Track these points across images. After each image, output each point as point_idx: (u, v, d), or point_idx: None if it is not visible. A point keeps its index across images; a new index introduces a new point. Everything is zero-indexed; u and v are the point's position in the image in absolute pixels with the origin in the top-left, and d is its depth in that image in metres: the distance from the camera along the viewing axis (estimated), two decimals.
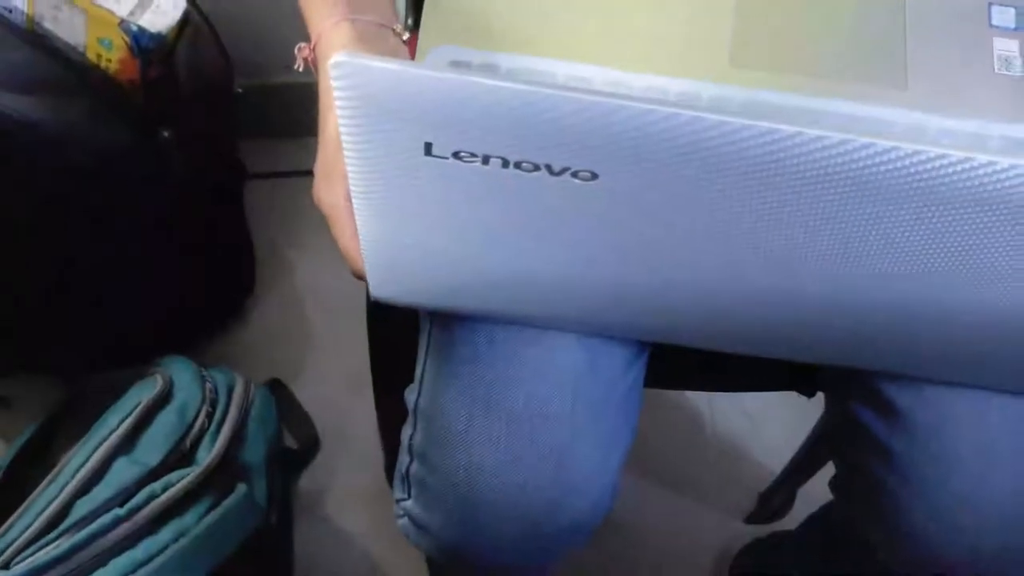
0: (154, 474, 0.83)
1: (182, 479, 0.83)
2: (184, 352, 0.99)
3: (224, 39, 1.07)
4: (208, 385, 0.91)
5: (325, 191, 0.53)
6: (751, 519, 1.12)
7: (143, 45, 0.88)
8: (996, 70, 0.62)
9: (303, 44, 0.56)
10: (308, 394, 1.13)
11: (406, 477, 0.60)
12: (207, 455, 0.86)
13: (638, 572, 1.11)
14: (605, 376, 0.59)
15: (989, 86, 0.61)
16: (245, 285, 1.26)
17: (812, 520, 0.86)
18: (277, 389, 1.10)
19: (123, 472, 0.83)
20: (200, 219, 1.08)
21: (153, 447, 0.85)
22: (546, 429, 0.56)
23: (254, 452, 0.90)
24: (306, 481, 1.13)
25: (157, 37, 0.89)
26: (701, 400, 1.23)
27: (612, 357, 0.60)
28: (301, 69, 0.55)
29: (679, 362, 0.76)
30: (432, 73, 0.37)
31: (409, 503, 0.60)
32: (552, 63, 0.59)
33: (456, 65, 0.59)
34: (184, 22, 0.92)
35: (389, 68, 0.36)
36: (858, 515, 0.66)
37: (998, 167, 0.43)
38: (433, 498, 0.58)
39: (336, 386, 1.21)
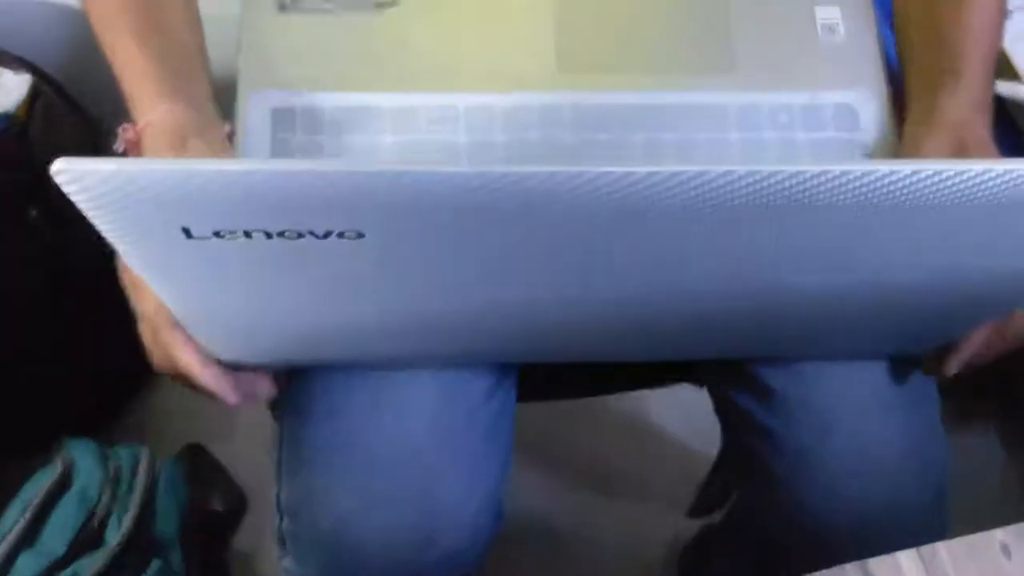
0: (61, 563, 0.80)
1: (93, 563, 0.81)
2: (95, 427, 0.96)
3: (90, 100, 1.04)
4: (111, 464, 0.88)
5: (136, 300, 0.54)
6: (692, 512, 1.11)
7: None
8: (821, 38, 0.61)
9: (128, 125, 0.53)
10: (230, 453, 1.11)
11: (280, 534, 0.60)
12: (116, 535, 0.83)
13: (584, 573, 1.10)
14: (464, 407, 0.58)
15: (816, 56, 0.61)
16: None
17: (729, 512, 0.86)
18: (197, 453, 1.07)
19: (28, 566, 0.80)
20: (89, 292, 1.05)
21: (58, 535, 0.82)
22: (406, 469, 0.56)
23: (167, 524, 0.88)
24: (242, 541, 1.10)
25: (5, 116, 0.87)
26: (632, 395, 1.22)
27: (469, 386, 0.59)
28: (121, 151, 0.53)
29: (561, 373, 0.75)
30: (158, 166, 0.34)
31: (287, 560, 0.60)
32: (376, 96, 0.58)
33: (277, 112, 0.57)
34: (33, 96, 0.90)
35: (108, 169, 0.34)
36: (754, 501, 0.65)
37: (830, 175, 0.41)
38: (305, 551, 0.58)
39: (260, 442, 1.18)
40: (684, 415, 1.20)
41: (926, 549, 0.47)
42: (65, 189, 0.34)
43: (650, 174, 0.37)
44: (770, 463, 0.60)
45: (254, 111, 0.58)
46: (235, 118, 0.58)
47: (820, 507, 0.58)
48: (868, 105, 0.61)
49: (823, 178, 0.40)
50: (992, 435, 1.19)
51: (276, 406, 0.62)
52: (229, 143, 0.55)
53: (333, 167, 0.35)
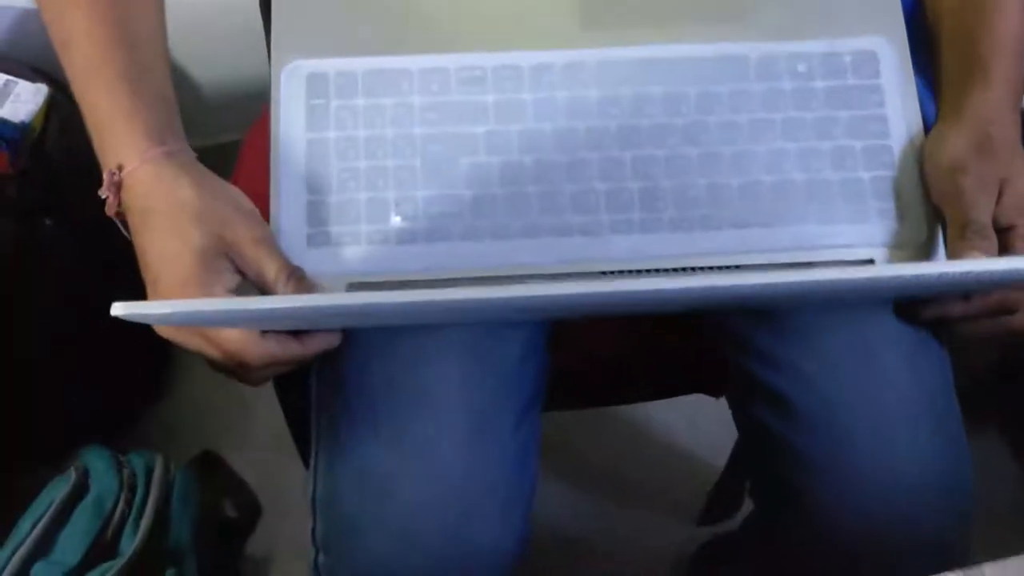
0: (75, 573, 0.80)
1: (107, 573, 0.81)
2: (110, 435, 0.97)
3: None
4: (126, 471, 0.88)
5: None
6: (702, 520, 1.11)
7: (7, 136, 0.86)
8: None
9: (114, 170, 0.53)
10: (244, 460, 1.11)
11: (316, 568, 0.60)
12: (131, 544, 0.83)
13: None
14: (494, 441, 0.58)
15: (834, 1, 0.62)
16: (165, 359, 1.23)
17: (747, 520, 0.85)
18: (210, 460, 1.07)
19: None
20: (104, 301, 1.06)
21: (72, 545, 0.82)
22: (441, 510, 0.56)
23: (181, 533, 0.88)
24: (255, 548, 1.10)
25: (21, 127, 0.87)
26: (639, 406, 1.22)
27: (499, 419, 0.59)
28: (105, 196, 0.53)
29: (581, 382, 0.75)
30: (198, 307, 0.45)
31: None
32: (406, 59, 0.60)
33: (312, 79, 0.60)
34: (49, 107, 0.90)
35: (159, 314, 0.44)
36: (773, 516, 0.65)
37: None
38: None
39: (272, 448, 1.18)
40: (691, 425, 1.20)
41: (973, 572, 0.45)
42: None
43: (656, 291, 0.39)
44: (791, 478, 0.59)
45: (289, 80, 0.60)
46: (271, 87, 0.60)
47: (843, 524, 0.57)
48: (888, 51, 0.61)
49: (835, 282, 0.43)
50: (998, 445, 1.18)
51: (305, 439, 0.63)
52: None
53: (335, 300, 0.47)
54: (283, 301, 0.40)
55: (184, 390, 1.25)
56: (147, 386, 1.20)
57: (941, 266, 0.42)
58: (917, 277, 0.44)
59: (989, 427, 1.17)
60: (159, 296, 0.52)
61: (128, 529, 0.84)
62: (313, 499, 0.59)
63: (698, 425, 1.19)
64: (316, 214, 0.58)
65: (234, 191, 0.55)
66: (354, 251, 0.58)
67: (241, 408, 1.25)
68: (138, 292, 0.53)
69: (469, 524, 0.56)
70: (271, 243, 0.54)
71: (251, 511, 1.08)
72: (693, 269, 0.58)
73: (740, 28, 0.61)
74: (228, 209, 0.53)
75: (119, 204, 0.54)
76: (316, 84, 0.60)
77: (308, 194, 0.58)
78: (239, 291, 0.53)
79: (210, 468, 1.05)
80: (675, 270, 0.58)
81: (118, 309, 0.38)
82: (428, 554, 0.56)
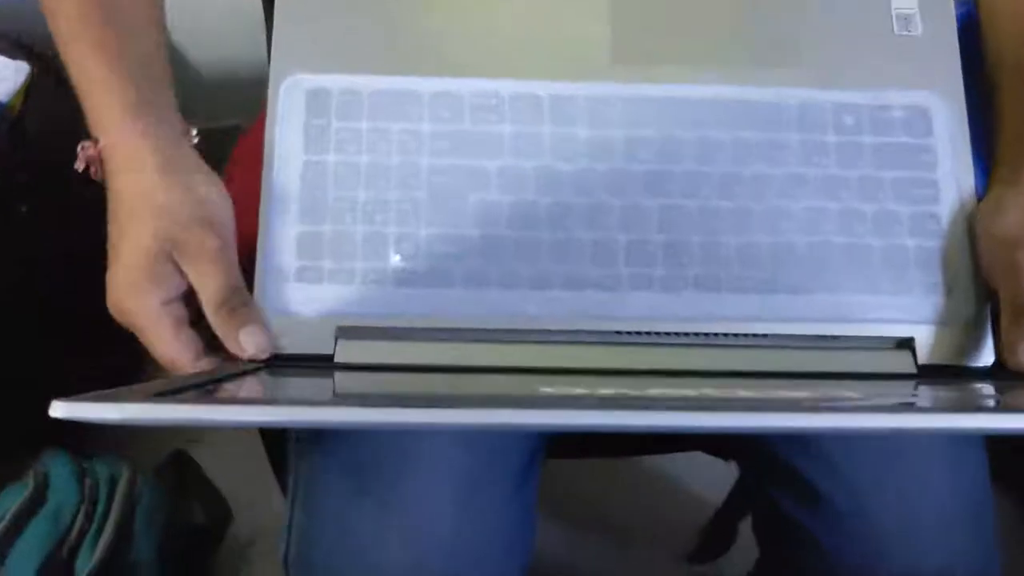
0: None
1: None
2: (78, 434, 0.91)
3: None
4: (87, 481, 0.83)
5: (133, 300, 0.48)
6: (693, 558, 1.07)
7: None
8: (895, 32, 0.57)
9: (86, 143, 0.50)
10: (215, 457, 1.06)
11: None
12: (87, 563, 0.78)
13: None
14: (490, 501, 0.53)
15: (888, 49, 0.57)
16: (140, 350, 1.18)
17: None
18: (181, 462, 1.02)
19: None
20: (72, 290, 1.00)
21: (25, 560, 0.77)
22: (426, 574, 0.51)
23: (144, 548, 0.83)
24: (224, 552, 1.05)
25: None
26: None
27: (497, 479, 0.54)
28: (81, 169, 0.49)
29: (586, 437, 0.70)
30: (145, 412, 0.35)
31: None
32: (416, 81, 0.55)
33: (312, 96, 0.54)
34: (30, 86, 0.84)
35: (100, 417, 0.34)
36: (784, 565, 0.60)
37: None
38: None
39: (245, 445, 1.13)
40: (688, 459, 1.16)
41: None
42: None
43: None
44: (806, 525, 0.55)
45: (288, 94, 0.55)
46: (267, 103, 0.54)
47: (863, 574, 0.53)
48: (943, 109, 0.56)
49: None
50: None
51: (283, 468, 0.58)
52: (192, 145, 0.53)
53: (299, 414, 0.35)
54: (238, 413, 0.33)
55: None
56: (118, 378, 1.14)
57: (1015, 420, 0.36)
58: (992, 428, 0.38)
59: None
60: (111, 294, 0.49)
61: (86, 546, 0.79)
62: (286, 556, 0.55)
63: (692, 465, 1.15)
64: (307, 246, 0.53)
65: (203, 191, 0.51)
66: (347, 291, 0.52)
67: None
68: None
69: None
70: (221, 258, 0.49)
71: (221, 517, 1.03)
72: (716, 335, 0.53)
73: (783, 72, 0.56)
74: (187, 208, 0.49)
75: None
76: (317, 101, 0.54)
77: (300, 223, 0.53)
78: (186, 298, 0.49)
79: (180, 471, 1.00)
80: (695, 334, 0.53)
81: (57, 410, 0.32)
82: None
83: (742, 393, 0.44)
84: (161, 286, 0.48)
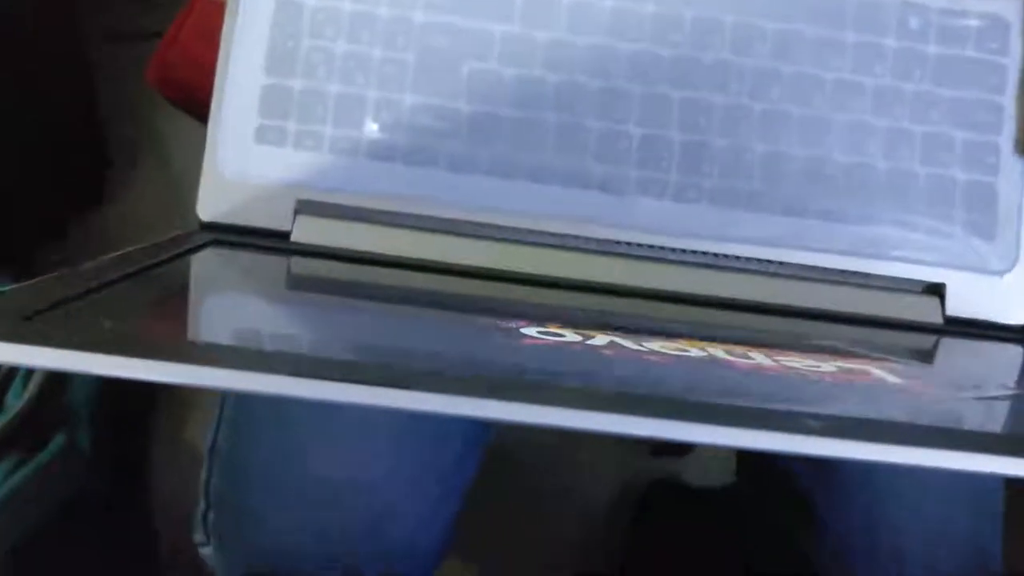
0: None
1: None
2: (20, 258, 0.85)
3: None
4: None
5: None
6: (657, 451, 1.04)
7: None
8: None
9: None
10: None
11: (204, 523, 0.50)
12: (18, 400, 0.73)
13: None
14: (430, 436, 0.48)
15: None
16: (103, 161, 1.09)
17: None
18: None
19: None
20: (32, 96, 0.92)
21: None
22: (359, 500, 0.46)
23: (79, 393, 0.78)
24: (171, 402, 1.01)
25: None
26: None
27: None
28: None
29: None
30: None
31: (207, 550, 0.50)
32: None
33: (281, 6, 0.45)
34: None
35: None
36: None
37: None
38: (233, 563, 0.49)
39: None
40: None
41: None
42: None
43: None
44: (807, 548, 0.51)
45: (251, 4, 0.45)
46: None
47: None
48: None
49: None
50: None
51: None
52: None
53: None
54: (107, 364, 0.26)
55: (117, 207, 1.12)
56: (72, 199, 1.07)
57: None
58: None
59: None
60: None
61: (17, 382, 0.74)
62: (212, 449, 0.50)
63: None
64: (272, 102, 0.45)
65: None
66: (312, 158, 0.45)
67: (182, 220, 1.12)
68: None
69: (389, 519, 0.47)
70: None
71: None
72: (728, 257, 0.46)
73: None
74: None
75: None
76: (286, 15, 0.45)
77: (266, 74, 0.45)
78: None
79: None
80: (704, 254, 0.46)
81: None
82: (340, 546, 0.47)
83: (754, 357, 0.37)
84: None
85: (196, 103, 0.53)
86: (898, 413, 0.30)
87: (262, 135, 0.45)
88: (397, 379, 0.25)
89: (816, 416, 0.26)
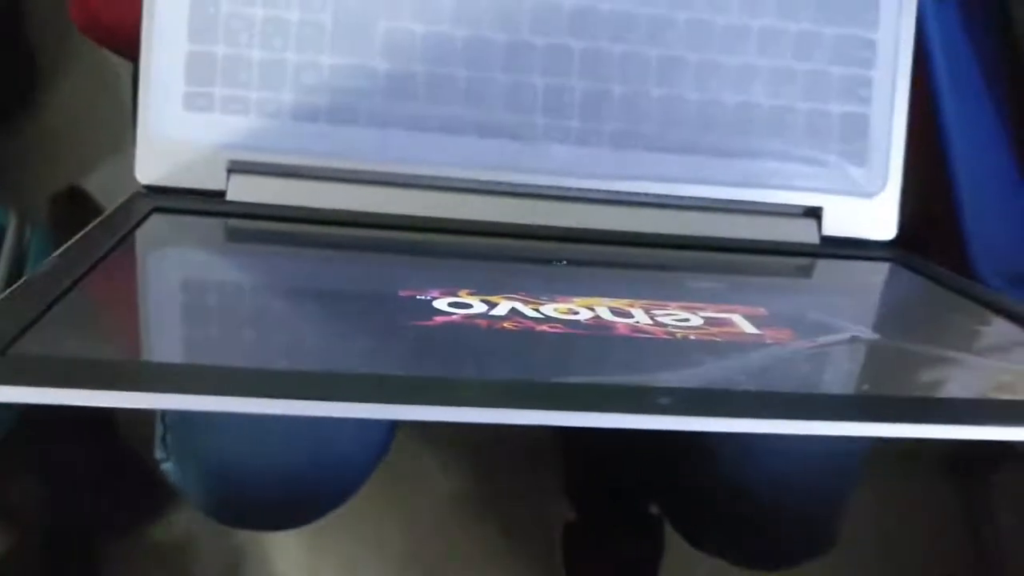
0: None
1: None
2: None
3: None
4: None
5: None
6: None
7: None
8: None
9: None
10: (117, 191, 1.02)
11: (164, 441, 0.55)
12: None
13: None
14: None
15: None
16: (34, 65, 1.09)
17: None
18: (75, 198, 0.98)
19: None
20: None
21: None
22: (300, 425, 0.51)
23: None
24: None
25: None
26: None
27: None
28: None
29: None
30: None
31: (168, 466, 0.56)
32: None
33: None
34: None
35: None
36: None
37: None
38: (189, 476, 0.54)
39: None
40: None
41: None
42: None
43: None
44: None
45: None
46: None
47: None
48: None
49: None
50: None
51: None
52: None
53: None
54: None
55: (53, 103, 1.11)
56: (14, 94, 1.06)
57: None
58: None
59: None
60: None
61: None
62: None
63: None
64: (197, 69, 0.48)
65: None
66: (240, 122, 0.48)
67: (119, 115, 1.13)
68: None
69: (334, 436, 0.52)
70: None
71: None
72: (628, 193, 0.51)
73: None
74: None
75: None
76: None
77: (189, 41, 0.48)
78: None
79: (73, 210, 0.97)
80: (606, 191, 0.51)
81: None
82: (284, 455, 0.52)
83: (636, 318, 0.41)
84: None
85: (123, 43, 0.55)
86: (747, 380, 0.36)
87: (190, 102, 0.48)
88: (313, 390, 0.29)
89: (669, 392, 0.31)
